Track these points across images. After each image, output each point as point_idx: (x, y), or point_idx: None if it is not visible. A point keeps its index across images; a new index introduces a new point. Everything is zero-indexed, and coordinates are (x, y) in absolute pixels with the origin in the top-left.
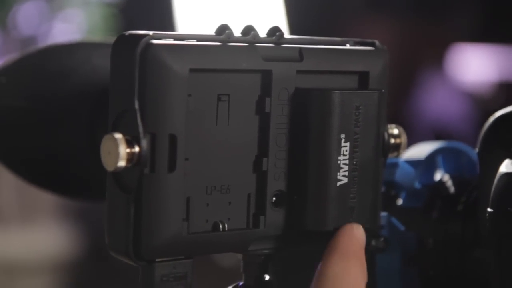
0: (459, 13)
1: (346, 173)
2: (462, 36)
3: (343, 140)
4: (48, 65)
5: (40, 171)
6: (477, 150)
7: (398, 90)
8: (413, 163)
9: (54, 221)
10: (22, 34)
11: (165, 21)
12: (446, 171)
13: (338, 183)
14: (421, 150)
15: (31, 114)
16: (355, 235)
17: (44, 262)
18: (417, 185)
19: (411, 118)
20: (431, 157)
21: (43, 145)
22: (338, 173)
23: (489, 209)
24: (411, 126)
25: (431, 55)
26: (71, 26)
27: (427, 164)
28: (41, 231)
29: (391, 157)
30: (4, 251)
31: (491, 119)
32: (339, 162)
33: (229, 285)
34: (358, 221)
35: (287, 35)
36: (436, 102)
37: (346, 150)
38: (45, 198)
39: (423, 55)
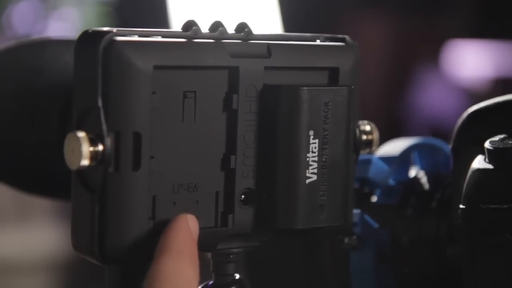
0: (454, 9)
1: (315, 170)
2: (458, 32)
3: (312, 137)
4: (20, 62)
5: (8, 168)
6: (450, 146)
7: (394, 87)
8: (387, 159)
9: (50, 220)
10: (17, 33)
11: (160, 19)
12: (422, 168)
13: (307, 181)
14: (395, 146)
15: (1, 111)
16: (187, 230)
17: (40, 261)
18: (391, 182)
19: (407, 115)
20: (406, 153)
21: (12, 141)
22: (307, 171)
23: (461, 206)
24: (408, 123)
25: (427, 51)
26: (66, 25)
27: (402, 161)
28: (36, 230)
29: (364, 154)
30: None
31: (464, 114)
32: (308, 159)
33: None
34: (328, 219)
35: (256, 31)
36: (432, 98)
37: (315, 147)
38: None
39: (419, 51)
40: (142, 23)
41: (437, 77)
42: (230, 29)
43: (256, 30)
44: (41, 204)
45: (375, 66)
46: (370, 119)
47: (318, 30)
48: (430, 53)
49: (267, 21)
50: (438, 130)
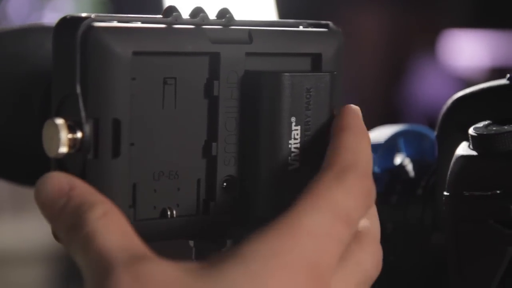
0: None
1: (298, 157)
2: (455, 21)
3: (294, 124)
4: (2, 49)
5: None
6: (435, 133)
7: (391, 76)
8: (372, 146)
9: None
10: (11, 24)
11: (155, 9)
12: (407, 155)
13: (290, 168)
14: (381, 133)
15: None
16: (360, 115)
17: (37, 252)
18: (376, 169)
19: (404, 104)
20: (391, 140)
21: None
22: (290, 157)
23: (445, 193)
24: (404, 112)
25: (424, 41)
26: (61, 15)
27: (387, 148)
28: (34, 221)
29: None
30: None
31: (449, 101)
32: (290, 146)
33: None
34: None
35: (237, 17)
36: (429, 88)
37: (297, 134)
38: None
39: (416, 41)
40: (137, 12)
41: (434, 66)
42: (212, 15)
43: (238, 16)
44: None
45: (372, 56)
46: (367, 108)
47: (314, 19)
48: (427, 42)
49: (262, 11)
50: (434, 119)
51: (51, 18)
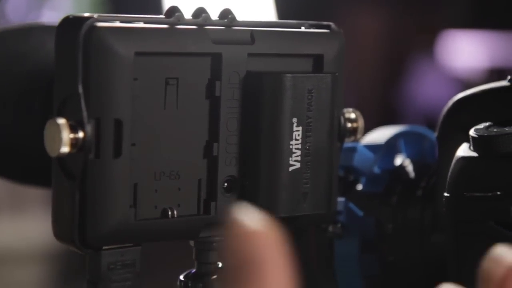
0: None
1: (299, 158)
2: (453, 22)
3: (295, 124)
4: (4, 48)
5: None
6: (436, 134)
7: (389, 77)
8: (373, 147)
9: (45, 210)
10: (10, 23)
11: (154, 8)
12: (408, 156)
13: (290, 168)
14: (381, 134)
15: None
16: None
17: (35, 251)
18: (376, 170)
19: (402, 105)
20: (392, 141)
21: None
22: (290, 158)
23: (445, 194)
24: (402, 113)
25: (422, 41)
26: (60, 14)
27: (387, 149)
28: (32, 220)
29: (348, 142)
30: None
31: (450, 102)
32: (291, 146)
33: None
34: (312, 207)
35: (239, 18)
36: (427, 88)
37: (299, 135)
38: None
39: (414, 42)
40: (136, 12)
41: (432, 67)
42: (214, 15)
43: (240, 16)
44: (35, 194)
45: (370, 56)
46: (365, 108)
47: (313, 20)
48: (425, 43)
49: (261, 10)
50: (432, 120)
51: (49, 17)
